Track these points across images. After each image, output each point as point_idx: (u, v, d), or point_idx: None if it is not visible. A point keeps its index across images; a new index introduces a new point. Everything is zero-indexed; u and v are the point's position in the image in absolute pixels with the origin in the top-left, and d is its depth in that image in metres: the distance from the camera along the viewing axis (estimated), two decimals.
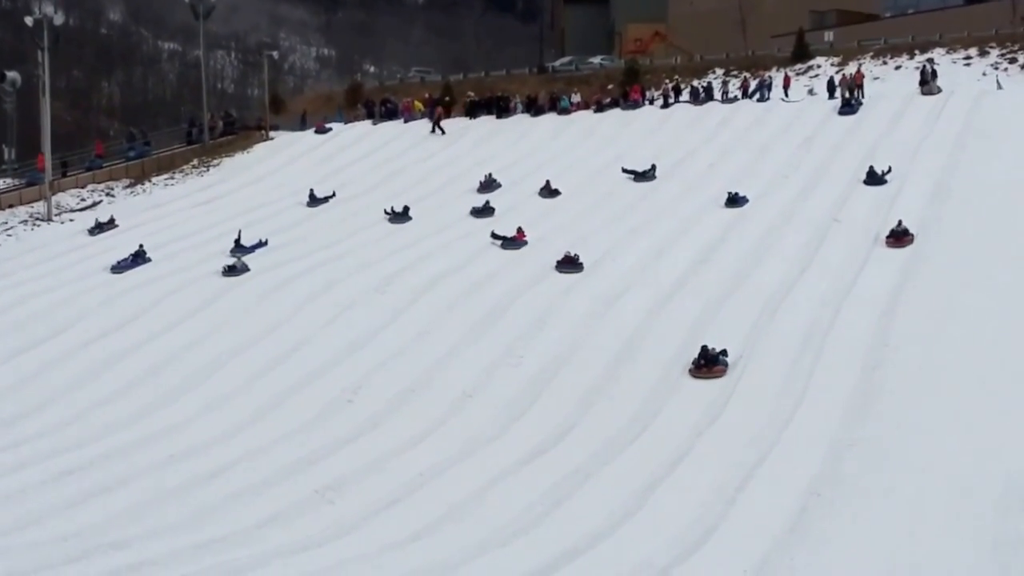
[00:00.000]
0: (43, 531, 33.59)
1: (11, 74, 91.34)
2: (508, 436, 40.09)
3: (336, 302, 53.64)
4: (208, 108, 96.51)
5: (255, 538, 32.73)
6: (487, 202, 65.34)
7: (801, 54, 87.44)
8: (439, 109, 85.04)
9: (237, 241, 60.91)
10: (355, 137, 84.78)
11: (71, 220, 75.62)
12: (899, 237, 48.52)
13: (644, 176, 66.08)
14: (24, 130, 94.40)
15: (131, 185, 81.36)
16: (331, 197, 69.84)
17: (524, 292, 49.70)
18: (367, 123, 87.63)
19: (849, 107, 72.04)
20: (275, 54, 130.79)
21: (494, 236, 58.18)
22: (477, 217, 63.77)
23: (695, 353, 41.24)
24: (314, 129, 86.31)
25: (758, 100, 79.45)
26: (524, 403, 40.63)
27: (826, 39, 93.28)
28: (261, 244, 61.35)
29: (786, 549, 30.05)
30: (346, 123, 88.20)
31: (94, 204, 77.87)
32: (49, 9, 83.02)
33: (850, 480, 33.57)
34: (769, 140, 70.41)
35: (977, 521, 30.48)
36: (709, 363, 38.15)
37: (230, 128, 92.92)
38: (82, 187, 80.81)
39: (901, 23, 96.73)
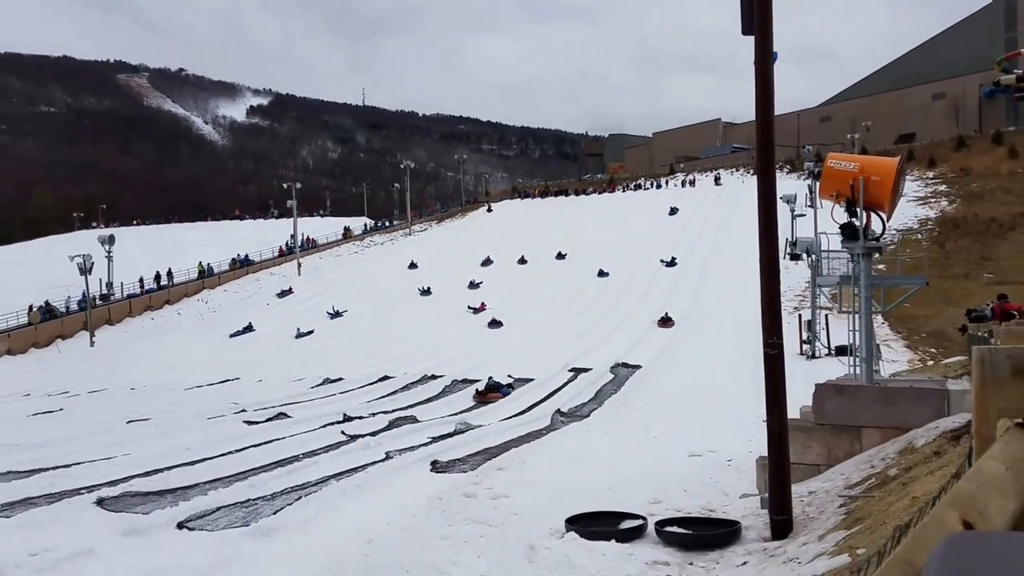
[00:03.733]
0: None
1: (396, 185, 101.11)
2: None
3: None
4: (464, 197, 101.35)
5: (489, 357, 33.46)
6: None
7: (671, 172, 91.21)
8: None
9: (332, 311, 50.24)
10: (514, 204, 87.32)
11: (421, 232, 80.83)
12: (665, 321, 38.46)
13: (561, 257, 57.97)
14: (394, 205, 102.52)
15: (439, 222, 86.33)
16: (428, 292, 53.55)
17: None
18: (517, 200, 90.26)
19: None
20: (486, 177, 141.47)
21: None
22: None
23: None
24: (486, 208, 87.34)
25: (656, 188, 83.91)
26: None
27: (681, 166, 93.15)
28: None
29: (664, 353, 32.71)
30: (511, 200, 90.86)
31: (423, 230, 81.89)
32: (409, 161, 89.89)
33: (671, 351, 34.83)
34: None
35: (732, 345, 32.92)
36: (490, 390, 25.36)
37: (470, 203, 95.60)
38: (416, 223, 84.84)
39: (709, 160, 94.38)
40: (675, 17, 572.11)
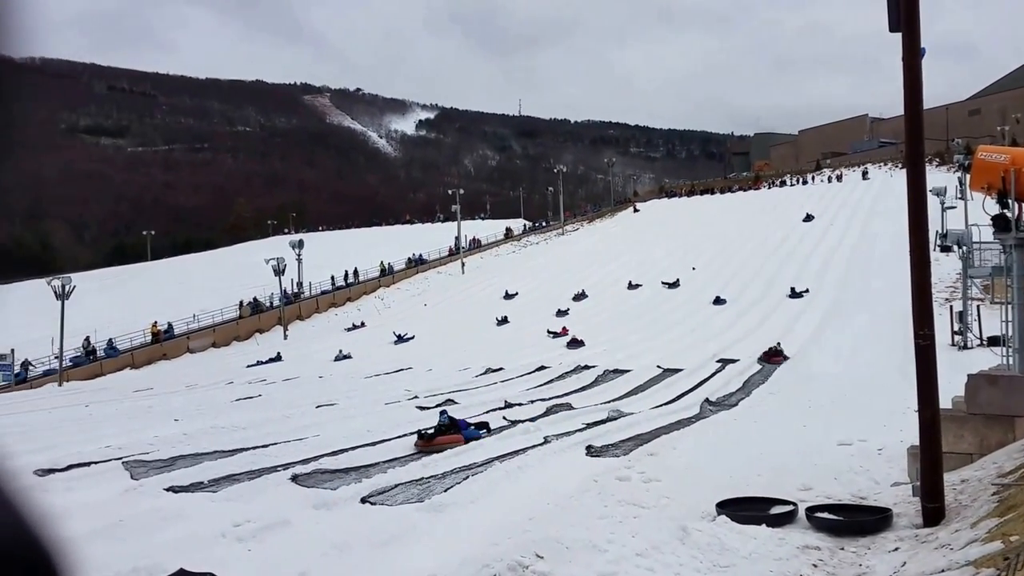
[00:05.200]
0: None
1: (550, 188, 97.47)
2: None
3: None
4: (613, 198, 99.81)
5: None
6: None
7: (817, 168, 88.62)
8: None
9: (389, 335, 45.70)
10: (661, 204, 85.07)
11: (573, 231, 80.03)
12: (771, 355, 29.56)
13: (674, 285, 48.61)
14: (548, 206, 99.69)
15: (589, 222, 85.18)
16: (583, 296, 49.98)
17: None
18: (664, 199, 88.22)
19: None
20: (634, 178, 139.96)
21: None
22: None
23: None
24: (632, 208, 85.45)
25: (802, 184, 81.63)
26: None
27: (827, 162, 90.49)
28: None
29: (812, 344, 31.92)
30: (658, 200, 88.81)
31: (575, 229, 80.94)
32: (562, 165, 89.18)
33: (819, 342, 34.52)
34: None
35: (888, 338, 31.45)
36: (443, 432, 15.51)
37: (619, 203, 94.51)
38: (568, 224, 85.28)
39: (856, 155, 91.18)
40: (809, 17, 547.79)
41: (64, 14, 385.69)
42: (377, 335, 47.40)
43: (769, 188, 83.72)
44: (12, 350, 42.60)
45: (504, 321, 45.98)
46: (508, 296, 53.00)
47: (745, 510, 9.05)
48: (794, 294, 42.64)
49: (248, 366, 40.76)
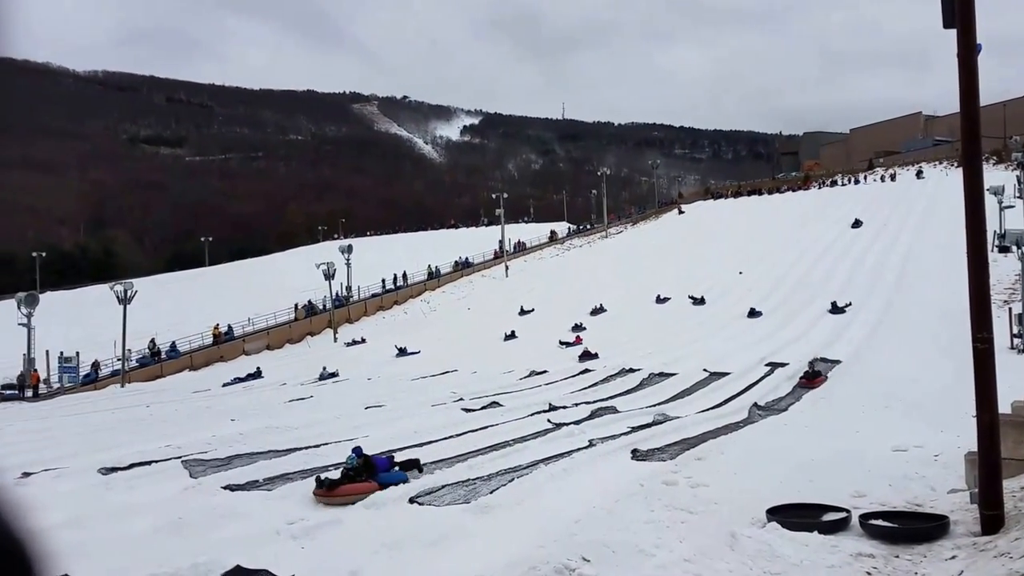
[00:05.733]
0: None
1: (593, 191, 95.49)
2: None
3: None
4: (658, 200, 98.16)
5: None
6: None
7: (869, 167, 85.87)
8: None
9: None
10: (706, 206, 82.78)
11: (617, 234, 78.44)
12: (811, 378, 25.68)
13: (700, 301, 44.10)
14: (591, 209, 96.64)
15: (634, 224, 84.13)
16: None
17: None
18: (710, 201, 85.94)
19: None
20: (679, 180, 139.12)
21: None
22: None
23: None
24: (677, 211, 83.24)
25: (854, 184, 78.79)
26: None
27: (880, 161, 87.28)
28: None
29: (864, 348, 30.36)
30: (703, 201, 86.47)
31: (618, 232, 79.37)
32: (605, 168, 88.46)
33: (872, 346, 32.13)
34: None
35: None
36: (352, 478, 11.91)
37: (664, 204, 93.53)
38: (612, 226, 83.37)
39: (910, 154, 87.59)
40: (860, 13, 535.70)
41: (125, 29, 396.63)
42: (380, 346, 46.06)
43: (819, 188, 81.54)
44: (77, 352, 43.93)
45: (513, 337, 43.33)
46: (523, 312, 50.23)
47: (796, 517, 8.84)
48: (835, 309, 38.19)
49: (224, 384, 37.26)
